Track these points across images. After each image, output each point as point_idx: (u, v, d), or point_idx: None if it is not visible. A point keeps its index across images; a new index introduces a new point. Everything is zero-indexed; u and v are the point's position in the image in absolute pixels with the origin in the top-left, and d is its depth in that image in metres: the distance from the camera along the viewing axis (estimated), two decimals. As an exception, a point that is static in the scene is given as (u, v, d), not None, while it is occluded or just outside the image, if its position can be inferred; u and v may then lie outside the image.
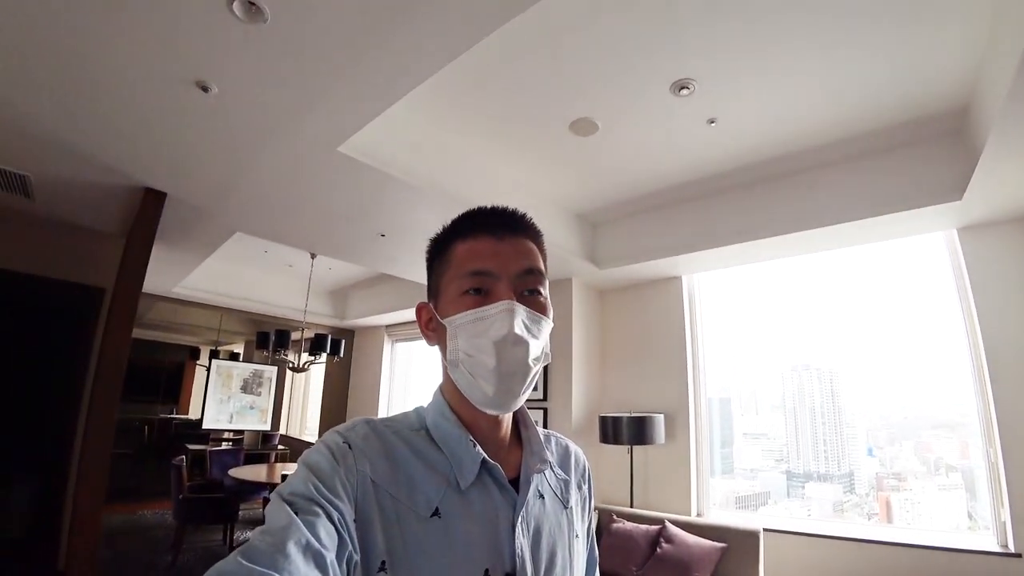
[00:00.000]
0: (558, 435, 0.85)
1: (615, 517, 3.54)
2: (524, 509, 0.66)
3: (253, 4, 1.64)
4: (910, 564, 2.96)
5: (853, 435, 3.67)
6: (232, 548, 3.49)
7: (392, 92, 2.04)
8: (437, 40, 1.77)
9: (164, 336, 9.56)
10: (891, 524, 3.37)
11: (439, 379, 0.76)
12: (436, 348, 0.73)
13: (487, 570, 0.60)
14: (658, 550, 3.12)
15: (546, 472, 0.74)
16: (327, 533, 0.50)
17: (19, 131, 2.46)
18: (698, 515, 3.83)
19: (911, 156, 2.91)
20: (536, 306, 0.68)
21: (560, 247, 3.68)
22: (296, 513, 0.50)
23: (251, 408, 7.67)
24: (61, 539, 3.72)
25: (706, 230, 3.60)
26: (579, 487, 0.81)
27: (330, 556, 0.49)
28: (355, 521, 0.55)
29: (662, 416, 3.91)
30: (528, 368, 0.66)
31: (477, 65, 2.35)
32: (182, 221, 3.51)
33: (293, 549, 0.46)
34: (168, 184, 3.02)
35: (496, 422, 0.70)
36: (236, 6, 1.65)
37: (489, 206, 0.72)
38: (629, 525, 3.34)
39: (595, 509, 3.55)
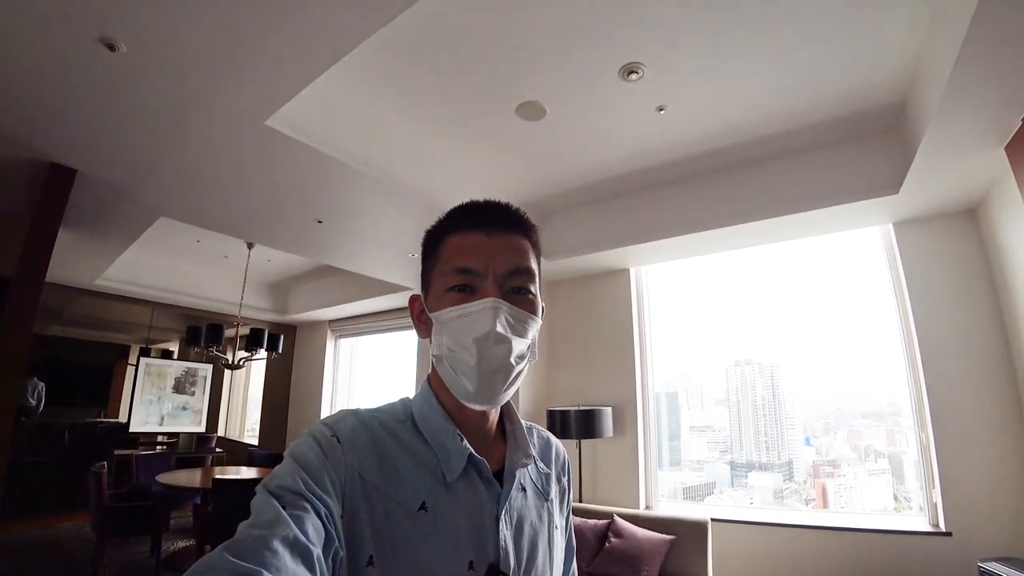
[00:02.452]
0: (539, 428, 0.85)
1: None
2: (508, 503, 0.67)
3: (160, -54, 1.46)
4: (849, 546, 3.04)
5: (792, 426, 3.80)
6: (161, 560, 3.22)
7: (322, 58, 1.88)
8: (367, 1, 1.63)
9: (90, 334, 8.91)
10: (827, 509, 3.51)
11: (418, 374, 0.70)
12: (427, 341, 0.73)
13: (471, 561, 0.61)
14: (607, 544, 3.07)
15: (529, 466, 0.74)
16: (314, 528, 0.50)
17: None
18: (647, 507, 3.82)
19: (852, 150, 2.98)
20: (523, 304, 0.68)
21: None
22: (284, 507, 0.49)
23: (184, 409, 7.20)
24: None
25: (654, 221, 3.59)
26: (558, 480, 0.81)
27: (317, 551, 0.48)
28: (342, 516, 0.55)
29: (610, 409, 3.88)
30: (510, 366, 0.65)
31: (418, 41, 2.22)
32: (97, 203, 3.21)
33: (280, 544, 0.46)
34: (78, 160, 2.74)
35: (482, 416, 0.70)
36: (140, -53, 1.46)
37: (483, 200, 0.72)
38: (577, 520, 3.28)
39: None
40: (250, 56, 1.87)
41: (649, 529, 3.11)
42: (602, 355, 4.23)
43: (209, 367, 7.51)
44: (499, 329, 0.64)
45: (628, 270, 4.24)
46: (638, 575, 2.87)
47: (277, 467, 0.57)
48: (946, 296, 3.04)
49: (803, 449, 3.75)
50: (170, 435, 7.65)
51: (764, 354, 3.98)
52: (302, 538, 0.47)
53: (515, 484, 0.70)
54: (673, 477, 4.13)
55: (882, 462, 3.49)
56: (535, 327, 0.69)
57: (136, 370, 7.00)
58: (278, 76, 1.98)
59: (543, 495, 0.75)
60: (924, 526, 2.98)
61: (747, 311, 4.07)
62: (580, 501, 3.75)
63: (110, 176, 2.88)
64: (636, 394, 4.01)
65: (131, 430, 6.77)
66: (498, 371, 0.65)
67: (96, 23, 1.76)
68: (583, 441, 3.84)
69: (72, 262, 4.33)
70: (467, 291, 0.66)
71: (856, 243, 3.55)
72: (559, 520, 0.77)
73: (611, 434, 3.82)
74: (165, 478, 4.81)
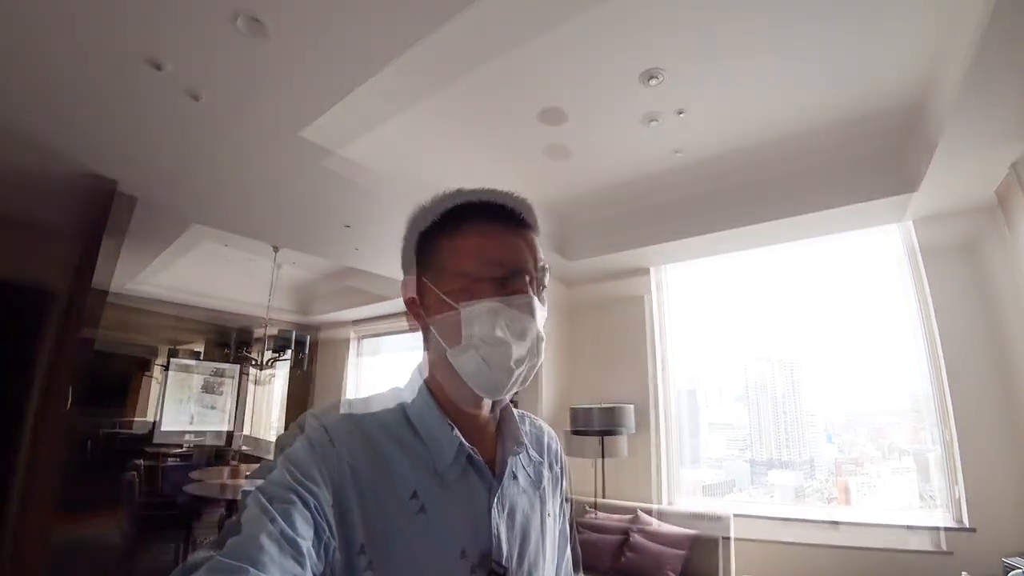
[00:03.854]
0: (532, 416, 0.85)
1: (587, 508, 3.54)
2: (500, 492, 0.67)
3: (209, -25, 1.56)
4: (875, 542, 3.06)
5: (813, 423, 3.80)
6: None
7: (357, 74, 1.98)
8: (402, 21, 1.71)
9: (116, 336, 9.15)
10: (849, 507, 3.50)
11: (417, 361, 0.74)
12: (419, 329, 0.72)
13: (464, 550, 0.61)
14: (631, 539, 3.14)
15: (520, 454, 0.74)
16: (302, 520, 0.50)
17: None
18: (669, 503, 3.87)
19: (870, 149, 3.00)
20: (543, 301, 0.70)
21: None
22: (271, 502, 0.50)
23: (212, 408, 7.41)
24: (3, 552, 3.50)
25: (673, 221, 3.64)
26: (551, 468, 0.81)
27: (305, 544, 0.49)
28: (333, 506, 0.55)
29: (632, 407, 3.94)
30: (540, 359, 0.67)
31: (445, 52, 2.29)
32: (137, 212, 3.33)
33: (266, 539, 0.46)
34: (122, 172, 2.86)
35: (478, 405, 0.71)
36: (190, -23, 1.56)
37: (501, 190, 0.71)
38: (602, 516, 3.35)
39: (568, 500, 3.56)
40: (289, 71, 1.97)
41: (672, 524, 3.17)
42: (623, 353, 4.28)
43: (236, 367, 7.68)
44: (539, 326, 0.66)
45: (648, 269, 4.29)
46: (661, 570, 2.94)
47: (266, 461, 0.58)
48: (968, 292, 3.05)
49: (824, 447, 3.74)
50: (197, 434, 7.85)
51: (783, 351, 3.99)
52: (289, 531, 0.48)
53: (507, 472, 0.70)
54: (693, 475, 4.15)
55: (907, 460, 3.47)
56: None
57: (166, 371, 7.19)
58: (315, 90, 2.08)
59: (535, 483, 0.76)
60: (948, 522, 2.99)
61: (766, 309, 4.10)
62: (604, 497, 3.82)
63: (150, 186, 3.01)
64: (657, 391, 4.07)
65: (163, 429, 6.96)
66: (532, 366, 0.67)
67: (144, 44, 1.86)
68: (606, 438, 3.90)
69: (108, 268, 4.49)
70: (501, 285, 0.66)
71: (876, 240, 3.55)
72: (552, 508, 0.78)
73: (633, 431, 3.88)
74: (192, 488, 4.94)
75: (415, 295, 0.70)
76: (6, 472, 3.56)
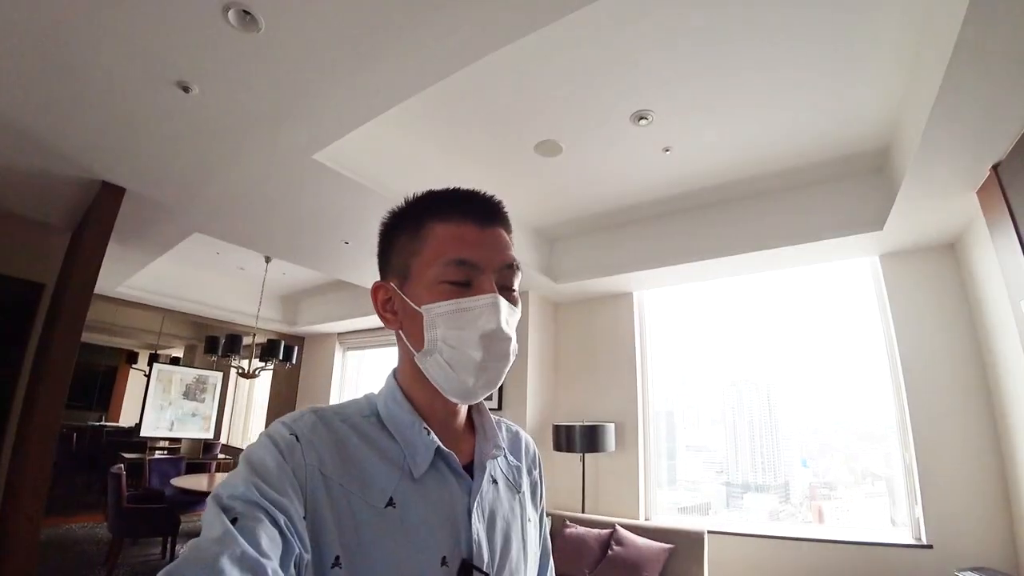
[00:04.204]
0: (508, 421, 0.84)
1: (568, 522, 3.66)
2: (479, 495, 0.66)
3: (248, 14, 1.70)
4: (838, 558, 3.23)
5: (788, 447, 3.86)
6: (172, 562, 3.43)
7: (375, 107, 2.13)
8: (424, 61, 1.88)
9: (99, 338, 9.06)
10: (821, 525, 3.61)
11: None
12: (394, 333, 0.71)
13: (444, 557, 0.59)
14: (610, 552, 3.26)
15: (499, 458, 0.74)
16: (269, 539, 0.47)
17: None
18: (646, 519, 4.01)
19: (840, 189, 3.24)
20: (513, 301, 0.68)
21: (518, 261, 3.79)
22: (235, 520, 0.47)
23: (193, 415, 7.36)
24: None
25: (656, 249, 3.83)
26: (529, 472, 0.81)
27: (271, 564, 0.46)
28: (305, 518, 0.53)
29: (613, 425, 4.09)
30: (509, 361, 0.66)
31: (450, 84, 2.45)
32: (138, 218, 3.42)
33: (227, 563, 0.43)
34: (129, 179, 2.96)
35: (454, 409, 0.70)
36: (231, 15, 1.70)
37: (467, 188, 0.70)
38: (581, 529, 3.47)
39: (549, 515, 3.65)
40: (310, 100, 2.12)
41: (649, 538, 3.30)
42: (606, 374, 4.44)
43: (219, 375, 7.67)
44: (503, 327, 0.64)
45: (631, 294, 4.48)
46: (638, 581, 3.07)
47: (231, 473, 0.55)
48: (927, 324, 3.27)
49: (800, 471, 3.80)
50: (174, 441, 7.79)
51: (760, 376, 4.08)
52: (252, 553, 0.45)
53: (486, 476, 0.68)
54: (669, 496, 4.21)
55: (879, 485, 3.54)
56: (517, 321, 0.70)
57: (148, 375, 7.15)
58: (333, 117, 2.22)
59: (515, 487, 0.74)
60: (908, 539, 3.18)
61: (744, 334, 4.25)
62: (583, 512, 3.94)
63: (156, 195, 3.10)
64: (637, 412, 4.22)
65: (142, 434, 6.91)
66: (500, 367, 0.65)
67: (176, 69, 2.00)
68: (587, 455, 4.04)
69: (103, 270, 4.53)
70: (464, 285, 0.64)
71: (849, 272, 3.76)
72: (532, 513, 0.76)
73: (613, 449, 4.02)
74: (180, 481, 4.97)
75: (386, 299, 0.69)
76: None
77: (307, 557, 0.51)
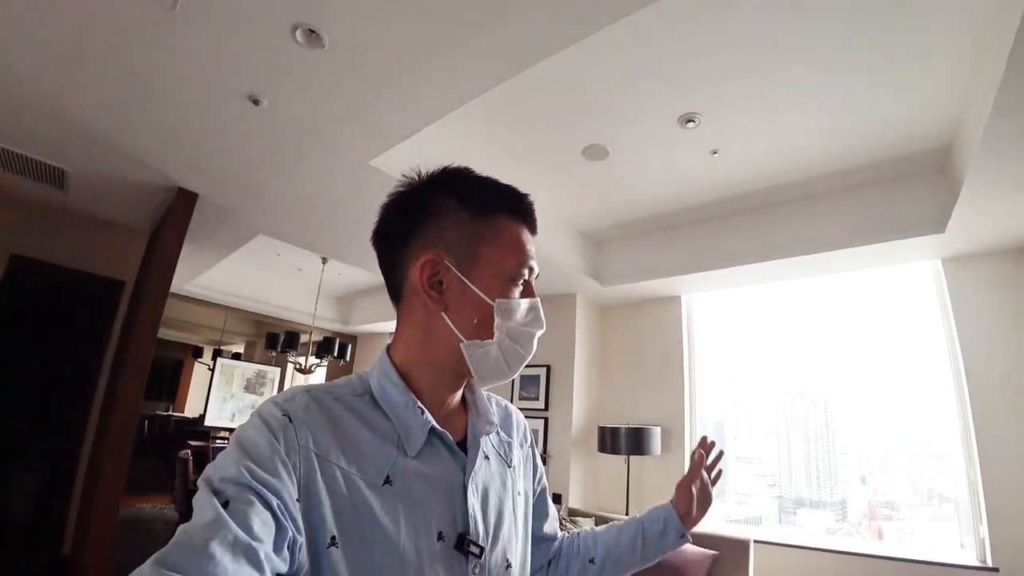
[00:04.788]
0: (498, 397, 0.85)
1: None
2: (474, 471, 0.67)
3: (314, 32, 1.83)
4: (896, 576, 3.11)
5: (846, 462, 3.70)
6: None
7: (429, 114, 2.24)
8: (477, 68, 1.97)
9: (168, 333, 9.66)
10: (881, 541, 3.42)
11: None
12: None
13: (440, 532, 0.60)
14: (651, 555, 3.25)
15: (491, 434, 0.75)
16: (261, 523, 0.47)
17: (65, 126, 2.61)
18: (690, 525, 3.95)
19: (899, 190, 3.12)
20: None
21: (566, 264, 3.85)
22: (226, 504, 0.47)
23: (252, 408, 7.75)
24: (67, 526, 3.81)
25: (705, 252, 3.79)
26: (520, 446, 0.82)
27: (264, 548, 0.46)
28: (299, 500, 0.52)
29: (659, 429, 4.07)
30: None
31: (500, 89, 2.53)
32: (208, 221, 3.67)
33: (218, 548, 0.43)
34: (202, 186, 3.19)
35: (453, 388, 0.71)
36: (298, 33, 1.84)
37: (523, 192, 0.73)
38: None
39: (591, 516, 3.67)
40: (368, 110, 2.24)
41: (692, 544, 3.28)
42: (652, 377, 4.42)
43: (277, 370, 8.04)
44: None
45: (679, 297, 4.44)
46: (681, 586, 3.05)
47: (221, 454, 0.54)
48: (995, 333, 3.11)
49: (858, 488, 3.64)
50: (232, 431, 8.21)
51: (816, 386, 3.93)
52: (243, 537, 0.45)
53: (479, 452, 0.69)
54: (717, 507, 4.05)
55: (947, 507, 3.33)
56: None
57: (212, 370, 7.58)
58: (389, 126, 2.35)
59: (506, 462, 0.76)
60: (973, 561, 3.03)
61: (798, 342, 4.12)
62: (627, 514, 3.94)
63: (226, 200, 3.33)
64: (684, 417, 4.18)
65: (206, 424, 7.32)
66: (528, 363, 0.70)
67: (248, 84, 2.16)
68: (632, 457, 4.04)
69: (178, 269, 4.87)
70: (525, 285, 0.69)
71: (909, 277, 3.60)
72: (522, 486, 0.78)
73: (659, 452, 4.00)
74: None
75: (433, 273, 0.66)
76: (75, 450, 3.90)
77: (300, 539, 0.51)
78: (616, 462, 4.19)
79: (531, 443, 0.87)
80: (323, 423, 0.59)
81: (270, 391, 8.03)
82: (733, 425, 4.34)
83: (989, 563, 2.91)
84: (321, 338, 5.46)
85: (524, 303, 0.67)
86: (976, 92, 2.21)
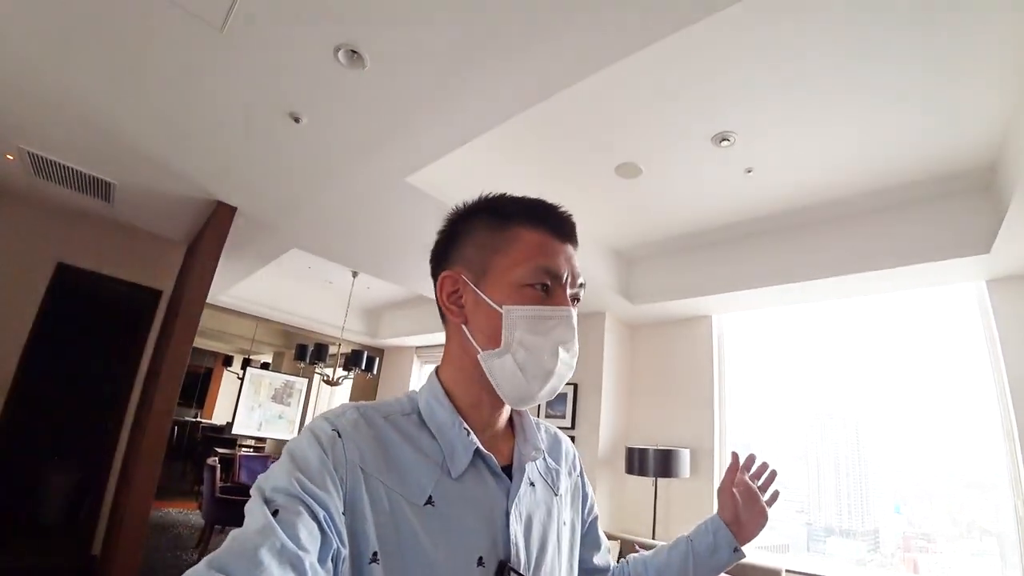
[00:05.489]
0: (546, 423, 0.84)
1: (636, 547, 3.60)
2: (517, 497, 0.66)
3: (356, 53, 1.88)
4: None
5: (879, 490, 3.56)
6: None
7: (466, 134, 2.27)
8: (514, 88, 1.99)
9: (200, 342, 9.87)
10: None
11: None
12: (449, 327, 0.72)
13: (481, 558, 0.59)
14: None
15: (537, 460, 0.73)
16: (308, 533, 0.48)
17: (114, 141, 2.72)
18: (719, 551, 3.85)
19: (941, 209, 3.02)
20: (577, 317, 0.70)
21: (596, 281, 3.83)
22: (276, 513, 0.48)
23: (280, 417, 7.87)
24: (98, 526, 3.89)
25: (737, 272, 3.73)
26: (569, 475, 0.81)
27: (309, 558, 0.47)
28: (344, 513, 0.53)
29: (688, 451, 3.99)
30: (571, 373, 0.68)
31: (535, 109, 2.56)
32: (245, 234, 3.76)
33: (267, 555, 0.44)
34: (241, 199, 3.27)
35: (496, 410, 0.70)
36: (340, 54, 1.88)
37: (550, 202, 0.72)
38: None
39: (616, 539, 3.59)
40: (406, 129, 2.29)
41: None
42: (681, 398, 4.34)
43: (304, 381, 8.14)
44: (576, 339, 0.67)
45: (710, 317, 4.37)
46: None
47: (274, 465, 0.55)
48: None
49: (892, 517, 3.49)
50: (259, 440, 8.33)
51: (848, 410, 3.81)
52: (291, 546, 0.46)
53: (524, 478, 0.68)
54: None
55: (989, 541, 3.17)
56: None
57: (241, 379, 7.71)
58: (425, 144, 2.39)
59: (552, 490, 0.74)
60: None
61: (830, 364, 4.00)
62: (653, 538, 3.86)
63: (263, 214, 3.41)
64: (714, 439, 4.09)
65: (234, 432, 7.43)
66: (564, 377, 0.67)
67: (290, 102, 2.22)
68: (660, 480, 3.96)
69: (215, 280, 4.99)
70: (544, 292, 0.66)
71: (951, 299, 3.47)
72: (568, 516, 0.76)
73: (688, 475, 3.92)
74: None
75: (453, 290, 0.69)
76: (109, 454, 4.00)
77: (344, 552, 0.52)
78: (643, 484, 4.12)
79: (580, 471, 0.85)
80: (371, 440, 0.60)
81: (297, 402, 8.13)
82: (762, 448, 4.18)
83: (1041, 605, 2.76)
84: (349, 351, 5.51)
85: (533, 309, 0.65)
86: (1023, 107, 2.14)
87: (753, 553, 3.87)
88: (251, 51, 1.94)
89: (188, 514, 6.16)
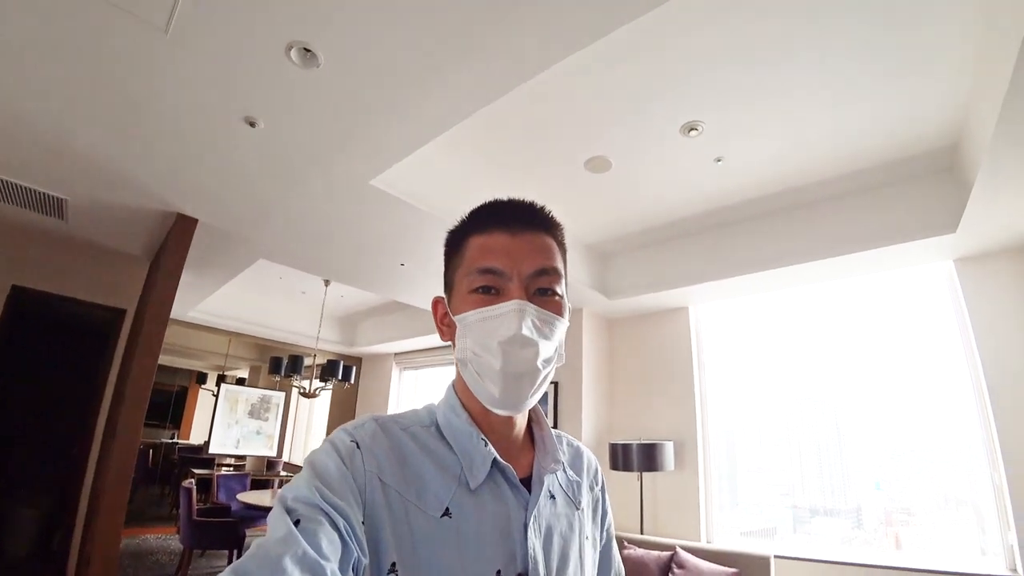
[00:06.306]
0: (569, 436, 0.83)
1: (626, 544, 3.57)
2: (536, 509, 0.65)
3: (309, 51, 1.81)
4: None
5: (859, 469, 3.63)
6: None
7: (429, 132, 2.21)
8: (475, 84, 1.94)
9: (172, 360, 9.61)
10: (900, 551, 3.33)
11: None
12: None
13: (499, 571, 0.58)
14: (670, 575, 3.16)
15: (558, 473, 0.72)
16: (329, 542, 0.49)
17: (66, 157, 2.60)
18: (708, 542, 3.86)
19: (908, 191, 3.07)
20: (549, 306, 0.66)
21: (571, 278, 3.76)
22: (297, 522, 0.49)
23: (257, 433, 7.68)
24: (69, 560, 3.73)
25: (712, 262, 3.74)
26: (591, 489, 0.79)
27: (331, 567, 0.47)
28: (364, 523, 0.54)
29: (671, 443, 3.98)
30: (536, 370, 0.64)
31: (500, 104, 2.50)
32: (209, 247, 3.64)
33: (290, 563, 0.45)
34: (201, 211, 3.16)
35: (509, 421, 0.69)
36: (293, 53, 1.81)
37: (506, 198, 0.71)
38: (640, 551, 3.38)
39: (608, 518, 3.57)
40: (367, 129, 2.21)
41: (712, 562, 3.18)
42: (662, 391, 4.34)
43: (282, 395, 7.97)
44: (525, 332, 0.62)
45: (687, 308, 4.38)
46: (702, 608, 2.95)
47: (296, 476, 0.56)
48: (1013, 332, 3.03)
49: (873, 495, 3.56)
50: (239, 458, 8.13)
51: (827, 392, 3.88)
52: (312, 554, 0.46)
53: (544, 491, 0.67)
54: (731, 518, 4.04)
55: (965, 510, 3.26)
56: (562, 329, 0.68)
57: (216, 396, 7.51)
58: (388, 144, 2.32)
59: (574, 504, 0.72)
60: (1002, 569, 2.92)
61: (808, 348, 4.05)
62: (642, 533, 3.84)
63: (226, 224, 3.30)
64: (696, 430, 4.10)
65: (211, 451, 7.24)
66: (524, 375, 0.63)
67: (244, 106, 2.14)
68: (645, 474, 3.95)
69: (177, 297, 4.84)
70: (491, 293, 0.64)
71: (921, 279, 3.54)
72: (590, 531, 0.74)
73: (672, 468, 3.91)
74: (245, 497, 5.17)
75: (444, 312, 0.71)
76: (78, 482, 3.84)
77: (364, 561, 0.52)
78: (629, 479, 4.10)
79: (602, 487, 0.83)
80: (389, 452, 0.61)
81: (275, 416, 7.95)
82: (745, 434, 4.26)
83: (1019, 571, 2.80)
84: (325, 361, 5.39)
85: (475, 313, 0.64)
86: (985, 86, 2.16)
87: (742, 540, 3.90)
88: (199, 53, 1.85)
89: (167, 539, 5.96)
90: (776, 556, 3.24)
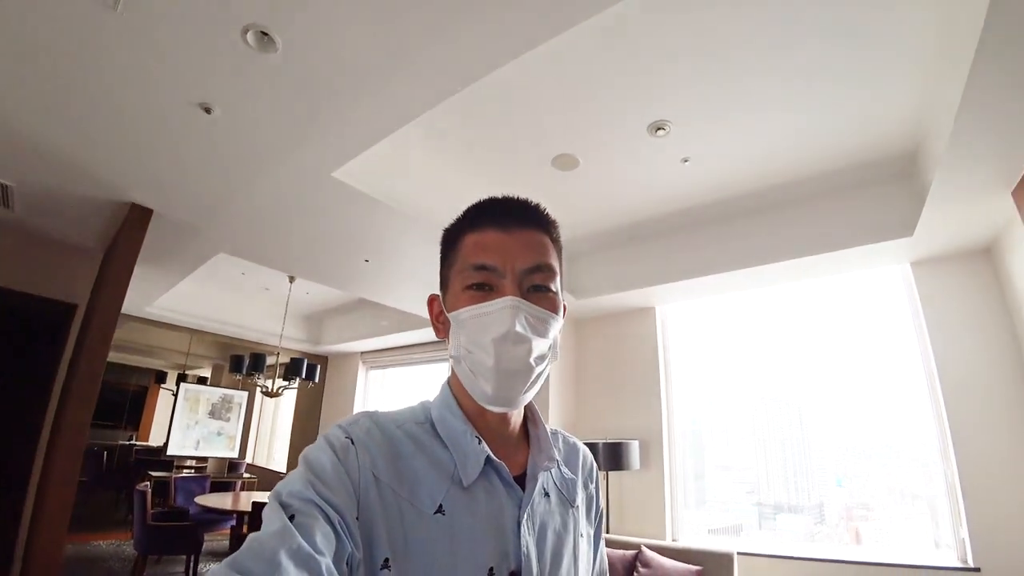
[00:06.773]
0: (565, 433, 0.82)
1: (591, 543, 3.57)
2: (530, 507, 0.64)
3: (266, 35, 1.74)
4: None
5: (822, 466, 3.72)
6: (195, 582, 3.34)
7: (392, 122, 2.15)
8: (439, 75, 1.90)
9: (130, 358, 9.27)
10: (858, 546, 3.44)
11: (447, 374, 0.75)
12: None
13: (491, 568, 0.58)
14: (635, 574, 3.16)
15: (552, 470, 0.71)
16: (323, 536, 0.49)
17: (6, 137, 2.45)
18: (673, 540, 3.89)
19: (867, 196, 3.15)
20: (544, 303, 0.66)
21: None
22: (292, 517, 0.49)
23: (218, 434, 7.46)
24: (12, 567, 3.55)
25: (678, 262, 3.78)
26: (585, 487, 0.78)
27: (325, 561, 0.47)
28: (358, 519, 0.54)
29: (637, 443, 4.00)
30: (530, 367, 0.64)
31: (466, 100, 2.48)
32: (165, 239, 3.51)
33: (284, 557, 0.45)
34: (156, 201, 3.03)
35: (504, 418, 0.69)
36: (249, 36, 1.74)
37: (501, 196, 0.71)
38: (607, 550, 3.37)
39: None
40: (328, 118, 2.15)
41: (676, 560, 3.19)
42: (629, 390, 4.36)
43: (244, 394, 7.76)
44: (518, 329, 0.62)
45: (654, 308, 4.41)
46: (665, 606, 2.96)
47: (291, 472, 0.57)
48: (964, 333, 3.14)
49: (834, 491, 3.65)
50: (200, 460, 7.89)
51: (790, 392, 3.95)
52: (307, 548, 0.46)
53: (537, 488, 0.66)
54: (698, 516, 4.08)
55: (919, 504, 3.37)
56: (557, 326, 0.67)
57: (175, 395, 7.28)
58: (350, 135, 2.25)
59: (568, 501, 0.72)
60: (954, 562, 3.01)
61: (772, 348, 4.12)
62: (608, 532, 3.84)
63: (183, 217, 3.18)
64: (662, 429, 4.12)
65: (169, 453, 7.00)
66: (517, 372, 0.63)
67: (198, 91, 2.05)
68: (611, 473, 3.95)
69: (132, 291, 4.62)
70: (485, 290, 0.65)
71: (879, 281, 3.63)
72: (584, 528, 0.74)
73: (638, 466, 3.93)
74: (204, 500, 5.01)
75: (439, 311, 0.72)
76: (22, 487, 3.65)
77: (358, 556, 0.52)
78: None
79: (596, 485, 0.82)
80: (383, 448, 0.61)
81: (236, 417, 7.73)
82: (710, 433, 4.31)
83: (971, 563, 2.89)
84: (289, 359, 5.26)
85: (469, 310, 0.65)
86: (940, 97, 2.22)
87: (706, 537, 3.93)
88: (149, 32, 1.76)
89: (121, 545, 5.73)
90: (739, 553, 3.28)
